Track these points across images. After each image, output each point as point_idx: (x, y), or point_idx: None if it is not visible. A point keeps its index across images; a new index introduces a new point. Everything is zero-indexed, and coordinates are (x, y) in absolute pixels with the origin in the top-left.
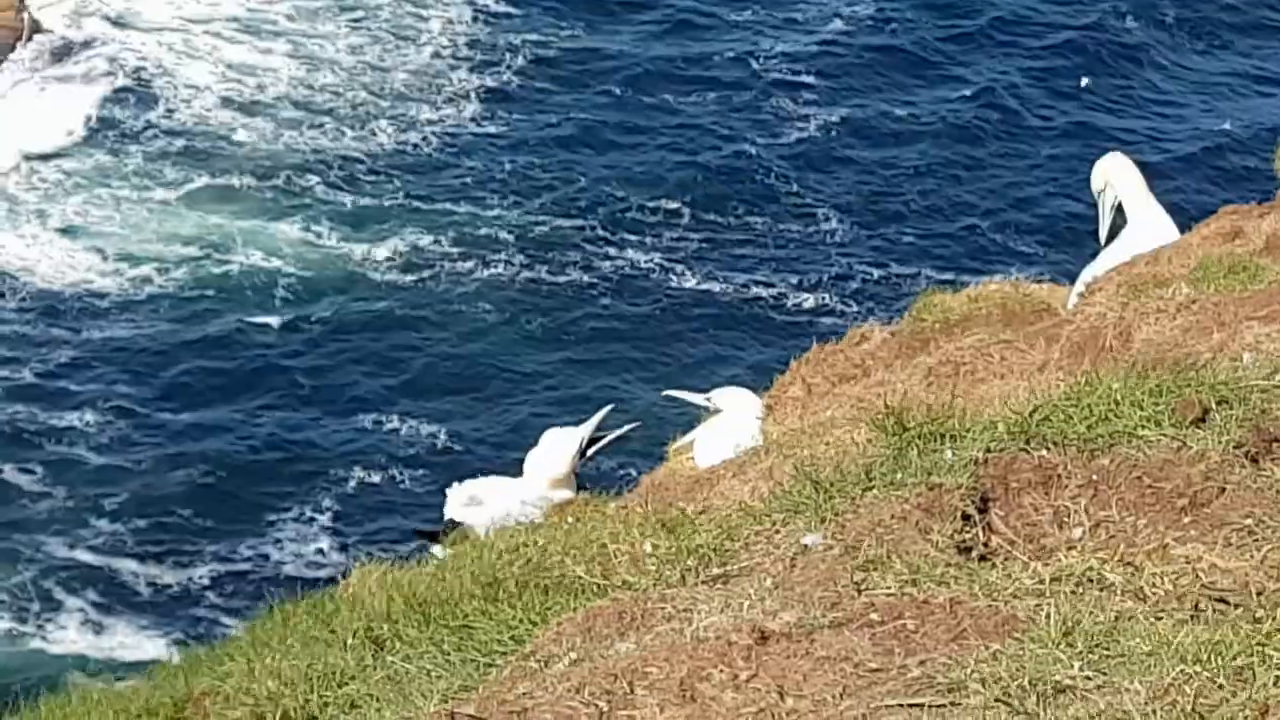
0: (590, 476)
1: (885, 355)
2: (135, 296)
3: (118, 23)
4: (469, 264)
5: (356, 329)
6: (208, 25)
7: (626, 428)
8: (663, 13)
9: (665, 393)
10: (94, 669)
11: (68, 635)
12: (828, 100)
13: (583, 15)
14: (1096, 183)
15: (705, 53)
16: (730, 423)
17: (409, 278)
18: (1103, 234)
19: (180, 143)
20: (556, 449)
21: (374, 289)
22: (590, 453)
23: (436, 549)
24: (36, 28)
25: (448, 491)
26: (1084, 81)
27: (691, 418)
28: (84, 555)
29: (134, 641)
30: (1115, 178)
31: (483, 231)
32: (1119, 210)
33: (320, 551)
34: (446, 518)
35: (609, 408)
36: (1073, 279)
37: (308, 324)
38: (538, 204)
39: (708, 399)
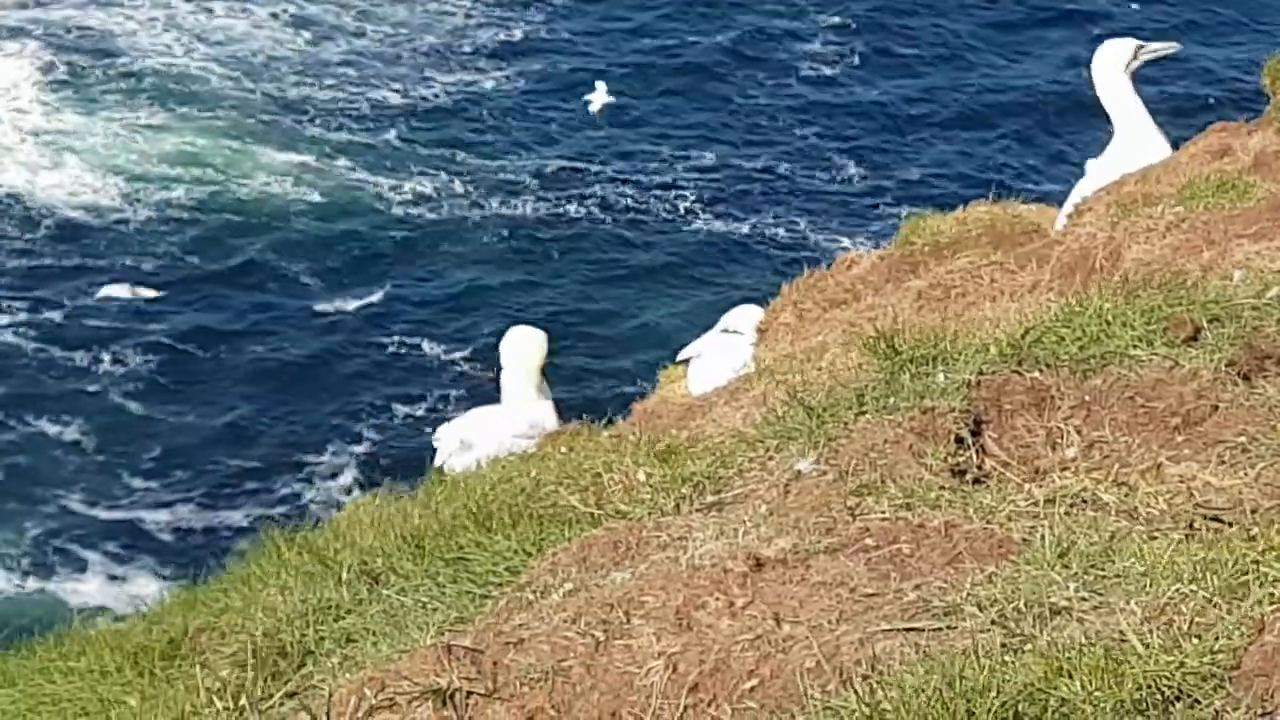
0: (583, 404)
1: (875, 279)
2: (150, 239)
3: None
4: (475, 200)
5: (373, 267)
6: None
7: None
8: None
9: (680, 358)
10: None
11: (88, 586)
12: (814, 34)
13: None
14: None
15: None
16: (725, 347)
17: (425, 215)
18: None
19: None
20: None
21: (392, 225)
22: None
23: None
24: None
25: (437, 436)
26: None
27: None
28: (103, 504)
29: (158, 590)
30: (1100, 79)
31: (490, 170)
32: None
33: (349, 489)
34: (438, 464)
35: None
36: (1062, 198)
37: (328, 266)
38: (545, 147)
39: (723, 329)
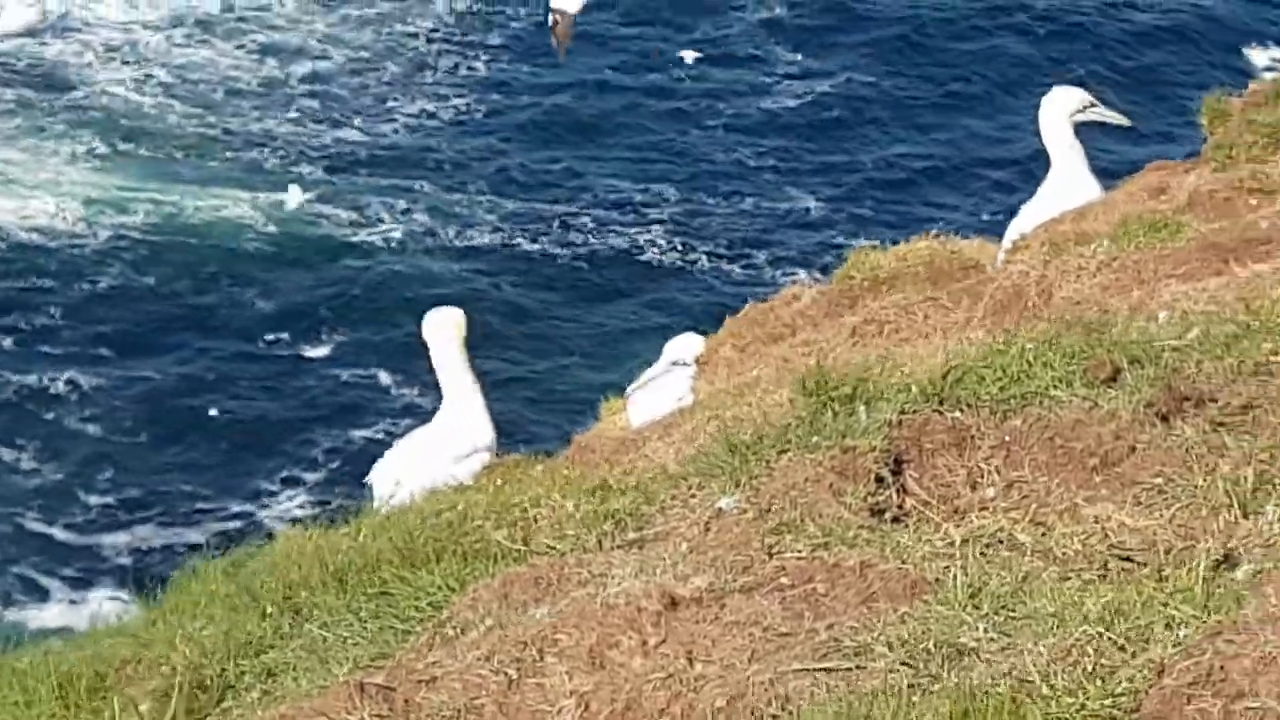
0: (529, 436)
1: (814, 314)
2: (104, 267)
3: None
4: (430, 229)
5: (328, 296)
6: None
7: None
8: None
9: (628, 392)
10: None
11: (48, 611)
12: (768, 69)
13: None
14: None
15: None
16: (666, 380)
17: (379, 246)
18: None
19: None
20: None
21: (347, 255)
22: None
23: None
24: None
25: (372, 474)
26: None
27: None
28: (61, 525)
29: (117, 611)
30: (1045, 119)
31: (446, 202)
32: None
33: (300, 513)
34: (376, 504)
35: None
36: (1002, 235)
37: (284, 296)
38: (501, 180)
39: (671, 364)
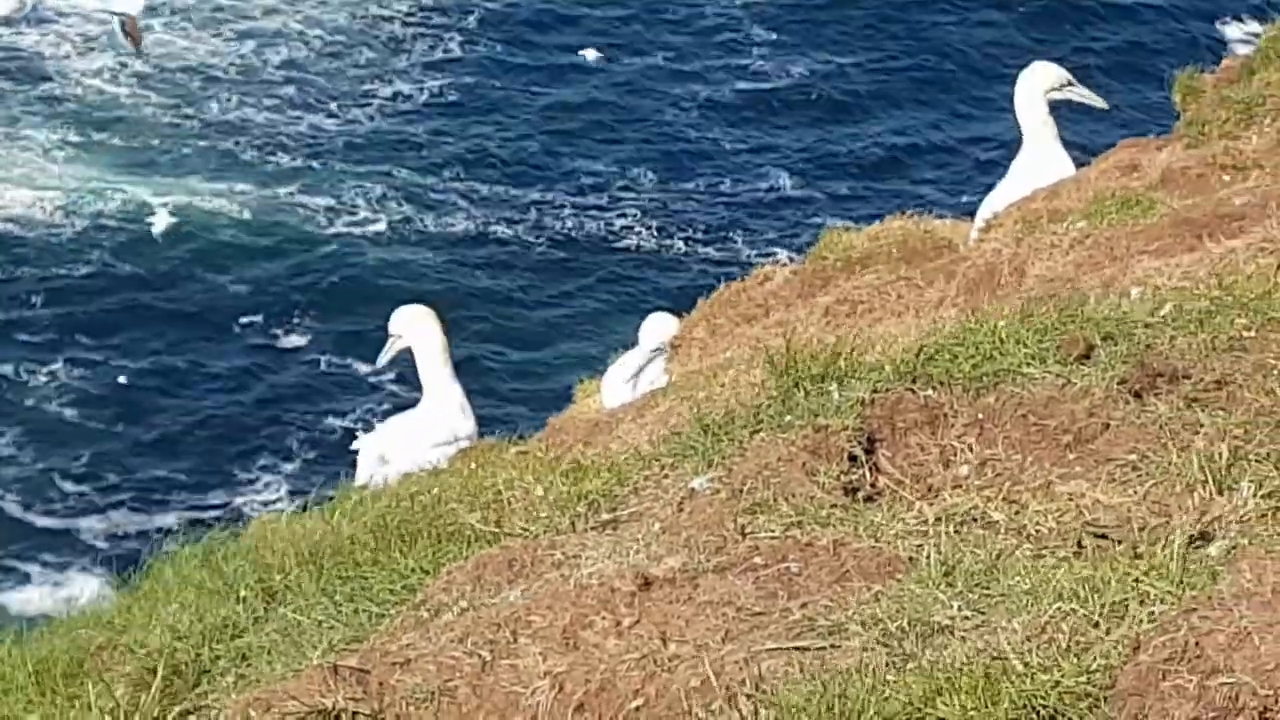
0: (505, 418)
1: (787, 294)
2: (82, 255)
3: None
4: (406, 216)
5: (304, 285)
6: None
7: None
8: None
9: (625, 379)
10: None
11: (29, 594)
12: (744, 49)
13: None
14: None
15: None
16: (640, 361)
17: (355, 234)
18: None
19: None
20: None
21: (323, 243)
22: None
23: None
24: None
25: (355, 447)
26: None
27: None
28: (40, 510)
29: (93, 595)
30: (1021, 95)
31: (422, 188)
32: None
33: (277, 497)
34: (359, 482)
35: None
36: (974, 214)
37: (260, 284)
38: (478, 163)
39: (651, 352)
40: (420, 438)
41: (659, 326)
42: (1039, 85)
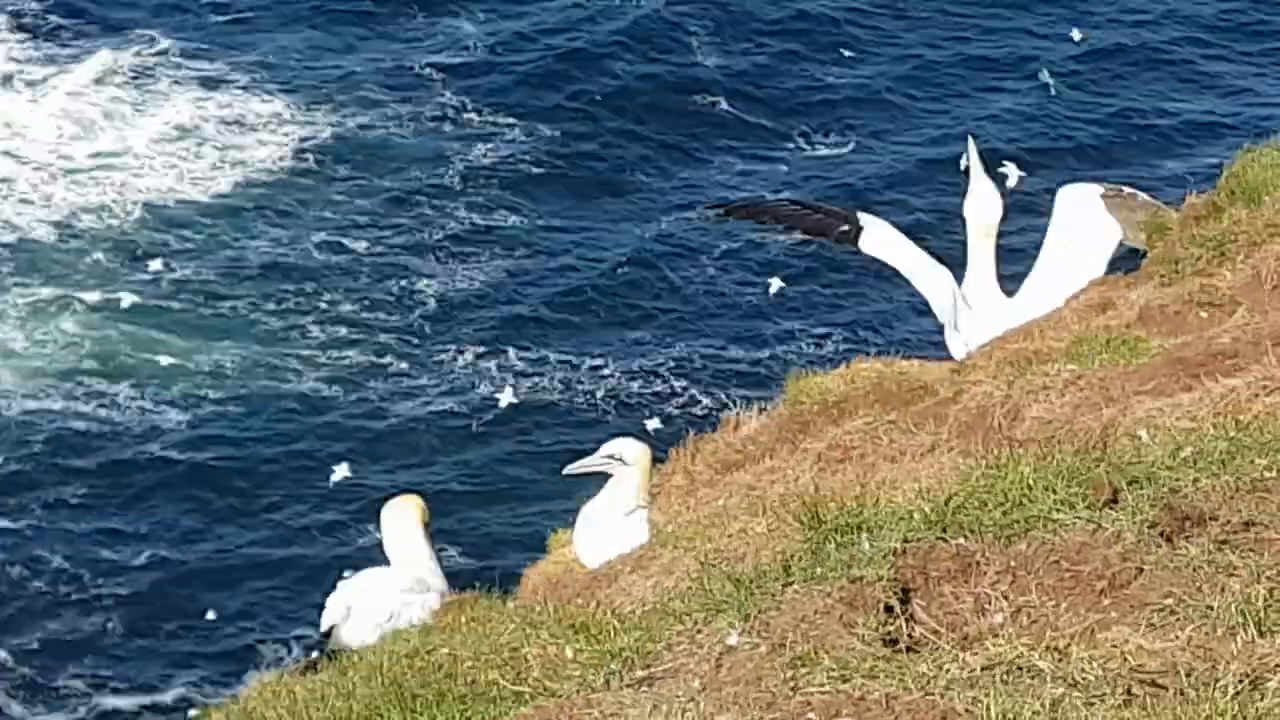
0: (465, 570)
1: (766, 440)
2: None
3: None
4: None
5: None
6: None
7: None
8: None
9: (565, 471)
10: None
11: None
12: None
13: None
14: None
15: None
16: (618, 514)
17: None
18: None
19: None
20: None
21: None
22: None
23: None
24: None
25: (328, 603)
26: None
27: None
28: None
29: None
30: (969, 230)
31: (394, 243)
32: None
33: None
34: (324, 628)
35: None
36: (940, 354)
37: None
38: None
39: (608, 456)
40: (389, 584)
41: (621, 446)
42: (988, 218)
